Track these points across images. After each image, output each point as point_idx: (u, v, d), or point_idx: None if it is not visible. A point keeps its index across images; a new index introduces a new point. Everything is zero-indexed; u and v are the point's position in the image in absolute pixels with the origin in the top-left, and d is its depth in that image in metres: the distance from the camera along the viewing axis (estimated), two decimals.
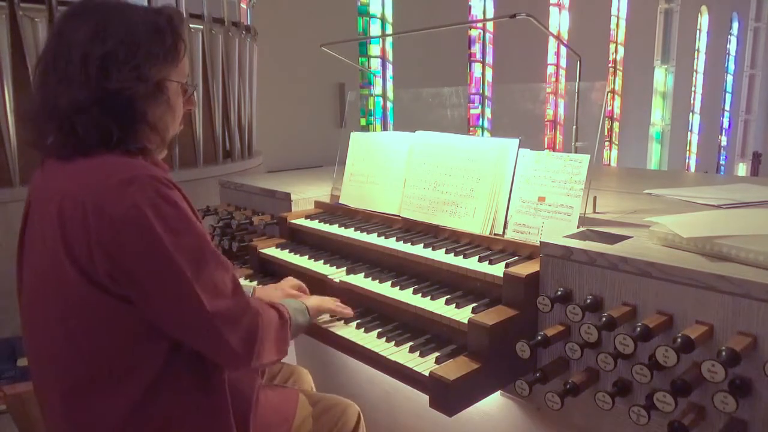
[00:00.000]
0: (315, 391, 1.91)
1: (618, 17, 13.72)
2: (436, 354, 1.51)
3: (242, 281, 1.83)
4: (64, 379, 1.21)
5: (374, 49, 8.78)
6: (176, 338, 1.21)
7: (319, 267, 1.98)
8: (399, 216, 2.05)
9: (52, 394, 1.24)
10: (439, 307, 1.59)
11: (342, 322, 1.76)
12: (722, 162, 18.33)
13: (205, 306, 1.17)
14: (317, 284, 1.90)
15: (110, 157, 1.20)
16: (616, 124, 13.96)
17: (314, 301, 1.71)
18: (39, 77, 1.25)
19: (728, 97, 17.93)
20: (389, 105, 8.32)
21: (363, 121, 8.59)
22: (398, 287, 1.74)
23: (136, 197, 1.12)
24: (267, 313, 1.38)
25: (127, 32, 1.21)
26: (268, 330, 1.34)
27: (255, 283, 2.05)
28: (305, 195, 2.41)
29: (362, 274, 1.86)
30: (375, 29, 8.60)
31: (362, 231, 2.02)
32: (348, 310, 1.75)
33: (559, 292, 1.40)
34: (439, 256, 1.74)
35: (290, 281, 1.86)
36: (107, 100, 1.18)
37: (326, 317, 1.79)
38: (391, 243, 1.89)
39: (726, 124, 18.18)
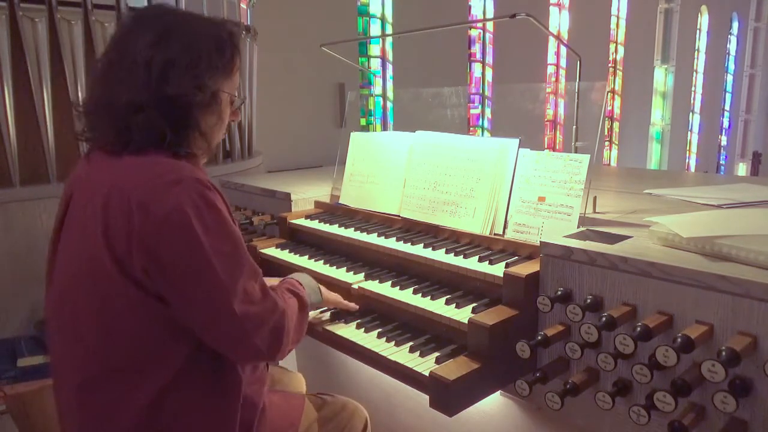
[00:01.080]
0: (316, 393, 1.91)
1: (618, 17, 13.71)
2: (436, 354, 1.51)
3: None
4: (86, 367, 1.23)
5: (374, 49, 8.77)
6: (202, 338, 1.23)
7: (319, 267, 1.98)
8: (399, 216, 2.05)
9: (70, 383, 1.25)
10: (439, 307, 1.59)
11: (342, 322, 1.76)
12: (722, 162, 18.32)
13: (235, 310, 1.19)
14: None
15: (159, 157, 1.23)
16: (616, 124, 13.95)
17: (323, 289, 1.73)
18: (100, 73, 1.29)
19: (728, 96, 17.91)
20: (389, 105, 8.32)
21: (363, 121, 8.58)
22: (398, 287, 1.74)
23: (181, 198, 1.15)
24: (291, 307, 1.42)
25: (190, 42, 1.26)
26: (292, 321, 1.38)
27: None
28: (305, 195, 2.41)
29: (362, 274, 1.86)
30: (375, 29, 8.60)
31: (362, 231, 2.03)
32: (354, 306, 1.78)
33: (559, 292, 1.40)
34: (439, 256, 1.74)
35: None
36: (165, 104, 1.22)
37: (327, 316, 1.79)
38: (391, 243, 1.89)
39: (726, 124, 18.17)
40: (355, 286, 1.80)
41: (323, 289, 1.72)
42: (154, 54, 1.22)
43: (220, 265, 1.17)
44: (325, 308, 1.82)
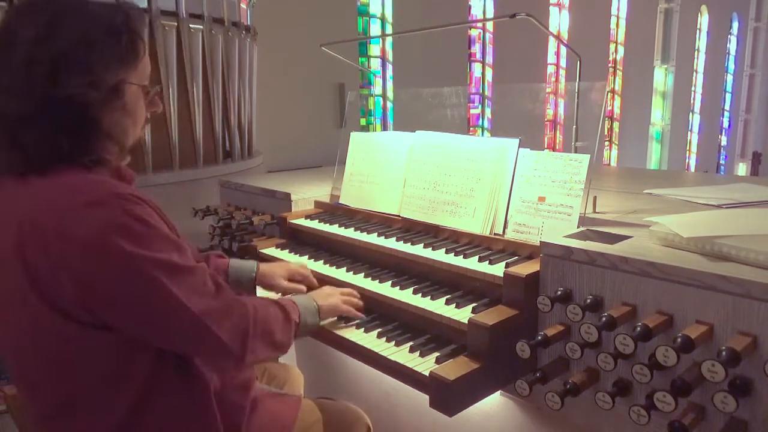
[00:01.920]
0: (303, 393, 1.89)
1: (618, 17, 13.72)
2: (436, 354, 1.51)
3: (243, 262, 1.82)
4: (39, 406, 1.18)
5: (374, 49, 8.78)
6: (167, 347, 1.18)
7: (319, 267, 1.98)
8: (399, 216, 2.05)
9: (31, 417, 1.22)
10: (439, 307, 1.59)
11: (342, 321, 1.76)
12: (722, 162, 18.33)
13: (190, 309, 1.13)
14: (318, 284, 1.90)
15: (68, 175, 1.10)
16: (616, 124, 13.96)
17: (331, 300, 1.66)
18: None
19: (728, 96, 17.92)
20: (389, 105, 8.33)
21: (363, 121, 8.59)
22: (398, 287, 1.74)
23: (102, 219, 1.04)
24: (263, 310, 1.36)
25: (77, 32, 1.09)
26: (263, 322, 1.31)
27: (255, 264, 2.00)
28: (305, 195, 2.41)
29: (362, 274, 1.86)
30: (375, 29, 8.60)
31: (362, 231, 2.02)
32: (361, 316, 1.71)
33: (559, 292, 1.40)
34: (439, 256, 1.74)
35: (298, 264, 1.88)
36: (56, 109, 1.07)
37: (333, 319, 1.78)
38: (391, 243, 1.89)
39: (726, 124, 18.18)
40: (356, 286, 1.79)
41: (331, 299, 1.66)
42: (36, 52, 1.06)
43: (163, 275, 1.09)
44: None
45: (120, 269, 1.06)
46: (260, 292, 1.87)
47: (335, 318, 1.77)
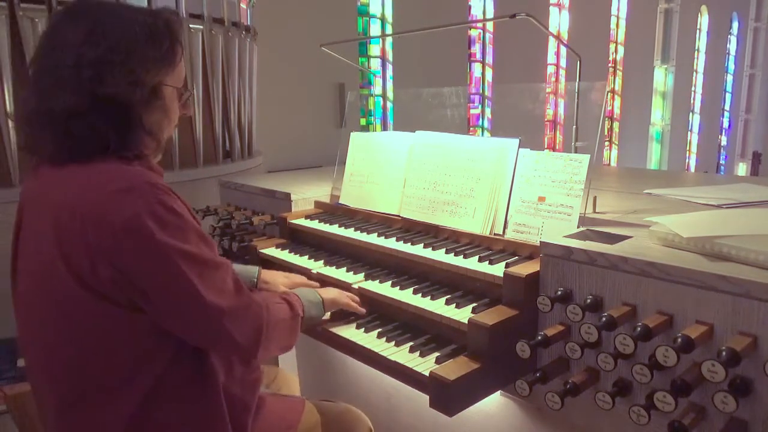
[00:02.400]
0: (300, 395, 1.90)
1: (618, 17, 13.72)
2: (436, 354, 1.51)
3: (245, 268, 1.83)
4: (61, 389, 1.20)
5: (374, 49, 8.77)
6: (184, 337, 1.21)
7: (319, 267, 1.98)
8: (399, 216, 2.05)
9: (49, 402, 1.23)
10: (439, 307, 1.59)
11: (342, 321, 1.76)
12: (722, 162, 18.33)
13: (209, 305, 1.17)
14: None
15: (106, 164, 1.18)
16: (616, 124, 13.95)
17: (331, 293, 1.70)
18: (32, 79, 1.22)
19: (728, 97, 17.92)
20: (389, 105, 8.33)
21: (363, 121, 8.58)
22: (398, 287, 1.74)
23: (136, 206, 1.11)
24: (275, 307, 1.40)
25: (122, 36, 1.18)
26: (275, 323, 1.35)
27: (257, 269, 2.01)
28: (305, 195, 2.41)
29: (362, 274, 1.86)
30: (375, 29, 8.60)
31: (362, 231, 2.02)
32: (362, 310, 1.74)
33: (559, 292, 1.40)
34: (439, 256, 1.74)
35: (299, 276, 1.88)
36: (102, 105, 1.15)
37: (327, 316, 1.79)
38: (391, 243, 1.89)
39: (726, 124, 18.18)
40: (355, 286, 1.80)
41: (333, 292, 1.70)
42: (83, 53, 1.15)
43: (187, 266, 1.15)
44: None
45: (149, 253, 1.12)
46: None
47: (335, 318, 1.77)
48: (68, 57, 1.15)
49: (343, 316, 1.79)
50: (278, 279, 1.82)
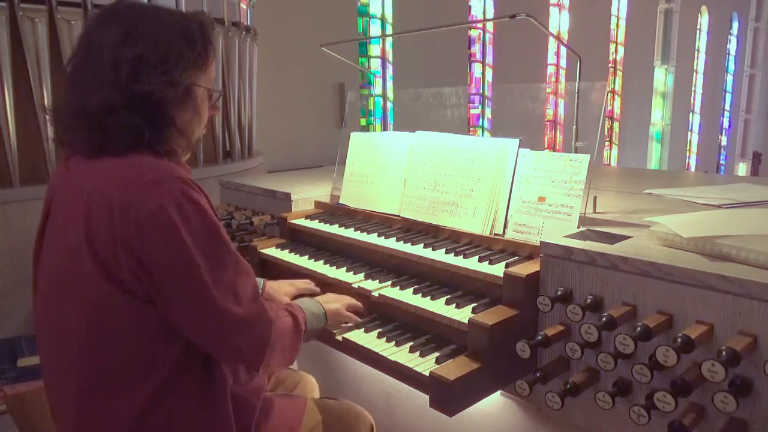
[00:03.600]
0: (320, 396, 1.90)
1: (618, 17, 13.71)
2: (437, 354, 1.51)
3: None
4: (80, 378, 1.21)
5: (374, 49, 8.77)
6: (189, 338, 1.22)
7: (319, 267, 1.98)
8: (399, 216, 2.05)
9: (65, 393, 1.24)
10: (439, 307, 1.59)
11: (342, 322, 1.76)
12: (722, 162, 18.32)
13: (220, 310, 1.18)
14: (317, 285, 1.90)
15: (138, 157, 1.21)
16: (616, 124, 13.95)
17: (333, 305, 1.69)
18: (69, 76, 1.26)
19: (728, 96, 17.91)
20: (389, 105, 8.33)
21: (363, 121, 8.58)
22: (398, 287, 1.74)
23: (163, 198, 1.13)
24: (281, 321, 1.39)
25: (158, 36, 1.22)
26: (280, 338, 1.35)
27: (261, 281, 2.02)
28: (305, 195, 2.41)
29: (362, 274, 1.86)
30: (375, 29, 8.59)
31: (362, 231, 2.02)
32: (358, 319, 1.74)
33: (559, 292, 1.40)
34: (439, 256, 1.74)
35: (304, 282, 1.88)
36: (137, 102, 1.19)
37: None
38: (391, 243, 1.89)
39: (726, 124, 18.17)
40: (355, 286, 1.80)
41: (334, 304, 1.69)
42: (121, 52, 1.19)
43: (206, 265, 1.16)
44: None
45: (169, 248, 1.13)
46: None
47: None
48: (106, 55, 1.19)
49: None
50: (283, 289, 1.82)
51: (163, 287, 1.15)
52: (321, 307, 1.64)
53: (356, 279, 1.84)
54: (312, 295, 1.83)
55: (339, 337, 1.69)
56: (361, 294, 1.78)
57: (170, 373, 1.20)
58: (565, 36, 11.96)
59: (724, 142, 18.27)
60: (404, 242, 1.87)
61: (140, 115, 1.20)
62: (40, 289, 1.29)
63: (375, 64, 8.83)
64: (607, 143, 13.75)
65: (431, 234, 1.93)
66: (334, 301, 1.71)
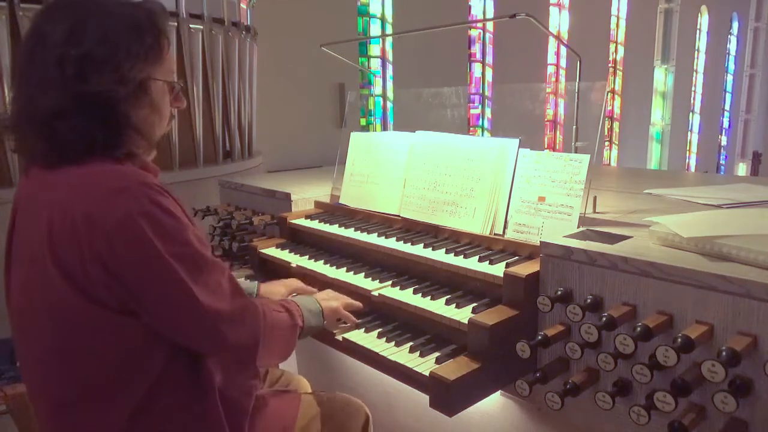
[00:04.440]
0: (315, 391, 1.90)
1: (618, 17, 13.72)
2: (437, 354, 1.51)
3: (244, 279, 1.83)
4: (55, 393, 1.19)
5: (374, 49, 8.77)
6: (179, 341, 1.20)
7: (319, 267, 1.98)
8: (399, 216, 2.05)
9: (43, 406, 1.22)
10: (439, 307, 1.59)
11: (342, 322, 1.76)
12: (722, 162, 18.33)
13: (204, 309, 1.15)
14: (317, 285, 1.90)
15: (97, 164, 1.15)
16: (616, 124, 13.95)
17: (331, 303, 1.68)
18: (17, 80, 1.19)
19: (728, 96, 17.92)
20: (389, 105, 8.32)
21: (363, 121, 8.58)
22: (398, 287, 1.74)
23: (129, 206, 1.08)
24: (273, 315, 1.38)
25: (103, 31, 1.14)
26: (273, 331, 1.34)
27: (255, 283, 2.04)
28: (305, 195, 2.41)
29: (362, 274, 1.86)
30: (375, 29, 8.60)
31: (362, 231, 2.02)
32: (356, 321, 1.73)
33: (559, 292, 1.40)
34: (439, 256, 1.74)
35: (295, 281, 1.87)
36: (87, 104, 1.12)
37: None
38: (391, 243, 1.89)
39: (726, 124, 18.18)
40: (375, 293, 1.79)
41: (331, 301, 1.68)
42: (65, 51, 1.11)
43: (182, 268, 1.12)
44: None
45: (142, 255, 1.09)
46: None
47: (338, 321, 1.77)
48: (50, 56, 1.12)
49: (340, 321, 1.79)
50: (275, 289, 1.80)
51: (143, 296, 1.12)
52: (318, 304, 1.62)
53: (356, 279, 1.84)
54: (306, 293, 1.83)
55: (339, 337, 1.69)
56: (362, 294, 1.78)
57: (156, 380, 1.18)
58: (565, 36, 11.96)
59: (724, 142, 18.28)
60: (404, 242, 1.87)
61: (91, 117, 1.13)
62: (13, 307, 1.24)
63: (375, 64, 8.83)
64: (607, 143, 13.76)
65: (431, 234, 1.93)
66: (332, 299, 1.70)
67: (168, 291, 1.13)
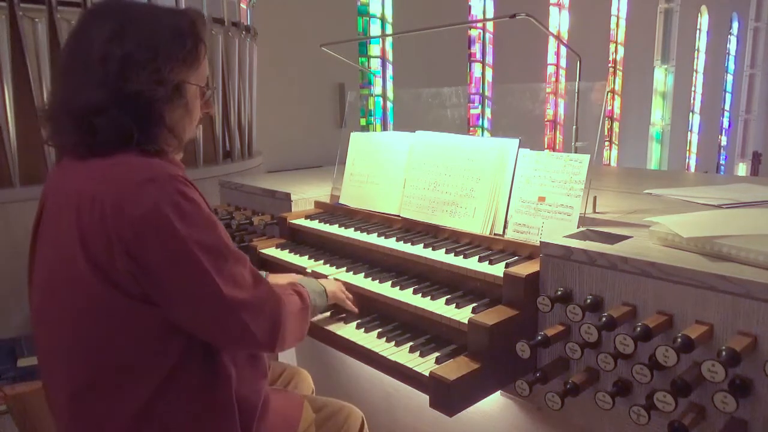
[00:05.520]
0: (315, 392, 1.91)
1: (618, 17, 13.72)
2: (436, 354, 1.51)
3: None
4: (74, 378, 1.21)
5: (374, 49, 8.77)
6: (200, 334, 1.21)
7: (319, 267, 1.98)
8: (399, 216, 2.05)
9: (61, 392, 1.24)
10: (439, 307, 1.59)
11: (342, 321, 1.76)
12: (722, 162, 18.33)
13: (227, 298, 1.18)
14: None
15: (128, 156, 1.20)
16: (616, 124, 13.95)
17: (331, 285, 1.73)
18: (58, 76, 1.25)
19: (728, 96, 17.92)
20: (389, 105, 8.32)
21: (363, 121, 8.58)
22: (398, 287, 1.74)
23: (156, 196, 1.12)
24: (289, 299, 1.41)
25: (147, 34, 1.21)
26: (291, 316, 1.37)
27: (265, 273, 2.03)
28: (305, 195, 2.41)
29: (362, 274, 1.87)
30: (375, 29, 8.60)
31: (362, 231, 2.02)
32: (355, 309, 1.78)
33: (559, 292, 1.40)
34: (439, 256, 1.74)
35: (298, 276, 1.89)
36: (126, 101, 1.17)
37: (326, 315, 1.79)
38: (391, 243, 1.89)
39: (726, 124, 18.18)
40: (355, 286, 1.80)
41: (331, 284, 1.73)
42: (109, 50, 1.17)
43: (206, 258, 1.15)
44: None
45: (168, 245, 1.12)
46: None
47: (334, 318, 1.77)
48: (95, 53, 1.17)
49: (340, 315, 1.79)
50: (279, 281, 1.81)
51: (165, 286, 1.15)
52: (320, 285, 1.67)
53: (356, 279, 1.84)
54: None
55: (338, 331, 1.69)
56: (362, 294, 1.78)
57: (169, 373, 1.20)
58: (565, 36, 11.96)
59: (724, 142, 18.28)
60: (404, 242, 1.87)
61: (129, 114, 1.18)
62: (36, 292, 1.28)
63: (375, 64, 8.83)
64: (607, 143, 13.76)
65: (431, 234, 1.93)
66: (330, 283, 1.75)
67: (191, 279, 1.16)
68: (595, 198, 1.78)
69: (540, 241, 1.47)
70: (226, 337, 1.24)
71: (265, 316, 1.26)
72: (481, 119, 10.24)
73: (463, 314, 1.53)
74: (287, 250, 2.17)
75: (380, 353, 1.57)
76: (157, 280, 1.14)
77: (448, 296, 1.64)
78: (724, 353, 1.10)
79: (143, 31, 1.20)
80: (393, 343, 1.60)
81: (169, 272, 1.14)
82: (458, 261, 1.68)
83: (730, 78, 17.85)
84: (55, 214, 1.22)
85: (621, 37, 13.82)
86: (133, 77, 1.17)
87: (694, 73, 16.25)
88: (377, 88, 8.83)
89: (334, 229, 2.10)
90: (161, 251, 1.12)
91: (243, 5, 4.83)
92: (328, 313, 1.81)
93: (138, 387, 1.19)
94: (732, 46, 17.56)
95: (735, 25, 17.34)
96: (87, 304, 1.16)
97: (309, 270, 1.95)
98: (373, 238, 1.96)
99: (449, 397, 1.36)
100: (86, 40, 1.20)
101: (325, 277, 1.88)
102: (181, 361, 1.21)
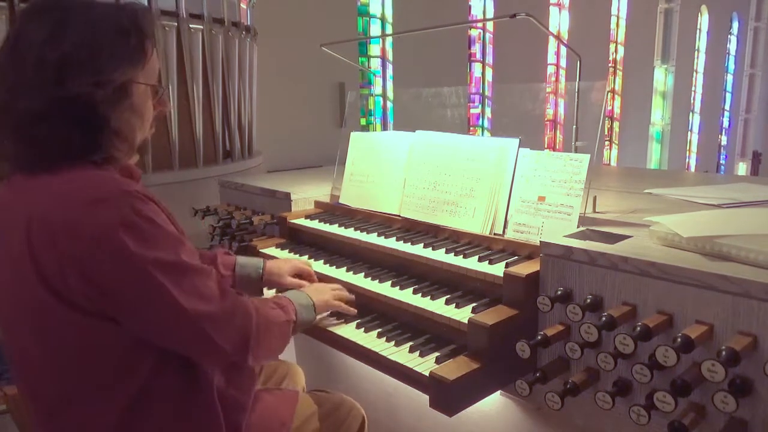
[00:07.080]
0: (305, 389, 1.90)
1: (618, 17, 13.72)
2: (436, 354, 1.51)
3: (250, 260, 1.82)
4: (44, 398, 1.18)
5: (374, 49, 8.78)
6: (167, 348, 1.19)
7: (319, 267, 1.98)
8: (399, 216, 2.05)
9: (33, 410, 1.22)
10: (439, 306, 1.59)
11: (342, 321, 1.76)
12: (722, 162, 18.33)
13: (188, 311, 1.13)
14: None
15: (78, 171, 1.13)
16: (616, 124, 13.95)
17: (323, 295, 1.68)
18: None
19: (728, 96, 17.92)
20: (389, 105, 8.32)
21: (363, 121, 8.59)
22: (398, 287, 1.74)
23: (108, 218, 1.07)
24: (267, 312, 1.38)
25: (86, 33, 1.12)
26: (266, 328, 1.33)
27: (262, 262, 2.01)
28: (305, 195, 2.41)
29: (362, 274, 1.86)
30: (375, 29, 8.60)
31: (362, 231, 2.02)
32: (352, 311, 1.74)
33: (559, 292, 1.40)
34: (439, 255, 1.74)
35: (301, 261, 1.90)
36: (65, 106, 1.10)
37: (326, 315, 1.79)
38: (391, 243, 1.89)
39: (726, 124, 18.18)
40: (355, 285, 1.79)
41: (323, 294, 1.68)
42: (45, 52, 1.09)
43: (163, 274, 1.11)
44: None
45: (123, 267, 1.08)
46: (266, 292, 1.88)
47: (332, 316, 1.77)
48: (29, 57, 1.10)
49: (340, 315, 1.79)
50: (283, 267, 1.81)
51: (124, 305, 1.11)
52: (309, 299, 1.61)
53: (356, 279, 1.84)
54: (309, 274, 1.86)
55: (337, 331, 1.69)
56: (362, 294, 1.78)
57: (143, 386, 1.17)
58: (565, 36, 11.96)
59: (724, 142, 18.28)
60: (404, 242, 1.87)
61: (69, 120, 1.10)
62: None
63: (375, 64, 8.84)
64: (607, 143, 13.76)
65: (431, 234, 1.93)
66: (321, 293, 1.68)
67: (149, 298, 1.11)
68: (595, 198, 1.78)
69: (540, 241, 1.47)
70: (192, 350, 1.21)
71: (233, 328, 1.22)
72: (481, 119, 10.24)
73: (463, 314, 1.53)
74: (287, 250, 2.16)
75: (380, 353, 1.57)
76: (115, 300, 1.10)
77: (448, 296, 1.64)
78: (724, 353, 1.10)
79: (81, 31, 1.12)
80: (393, 342, 1.60)
81: (126, 293, 1.10)
82: (458, 261, 1.68)
83: (730, 78, 17.85)
84: (6, 236, 1.15)
85: (621, 37, 13.82)
86: (71, 80, 1.09)
87: (694, 72, 16.25)
88: (377, 88, 8.83)
89: (334, 229, 2.10)
90: (116, 272, 1.08)
91: (243, 5, 4.83)
92: (327, 313, 1.80)
93: (109, 404, 1.15)
94: (732, 46, 17.56)
95: (735, 25, 17.34)
96: (46, 323, 1.12)
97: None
98: (373, 238, 1.96)
99: (449, 397, 1.36)
100: (21, 41, 1.12)
101: (326, 277, 1.88)
102: (154, 374, 1.18)
